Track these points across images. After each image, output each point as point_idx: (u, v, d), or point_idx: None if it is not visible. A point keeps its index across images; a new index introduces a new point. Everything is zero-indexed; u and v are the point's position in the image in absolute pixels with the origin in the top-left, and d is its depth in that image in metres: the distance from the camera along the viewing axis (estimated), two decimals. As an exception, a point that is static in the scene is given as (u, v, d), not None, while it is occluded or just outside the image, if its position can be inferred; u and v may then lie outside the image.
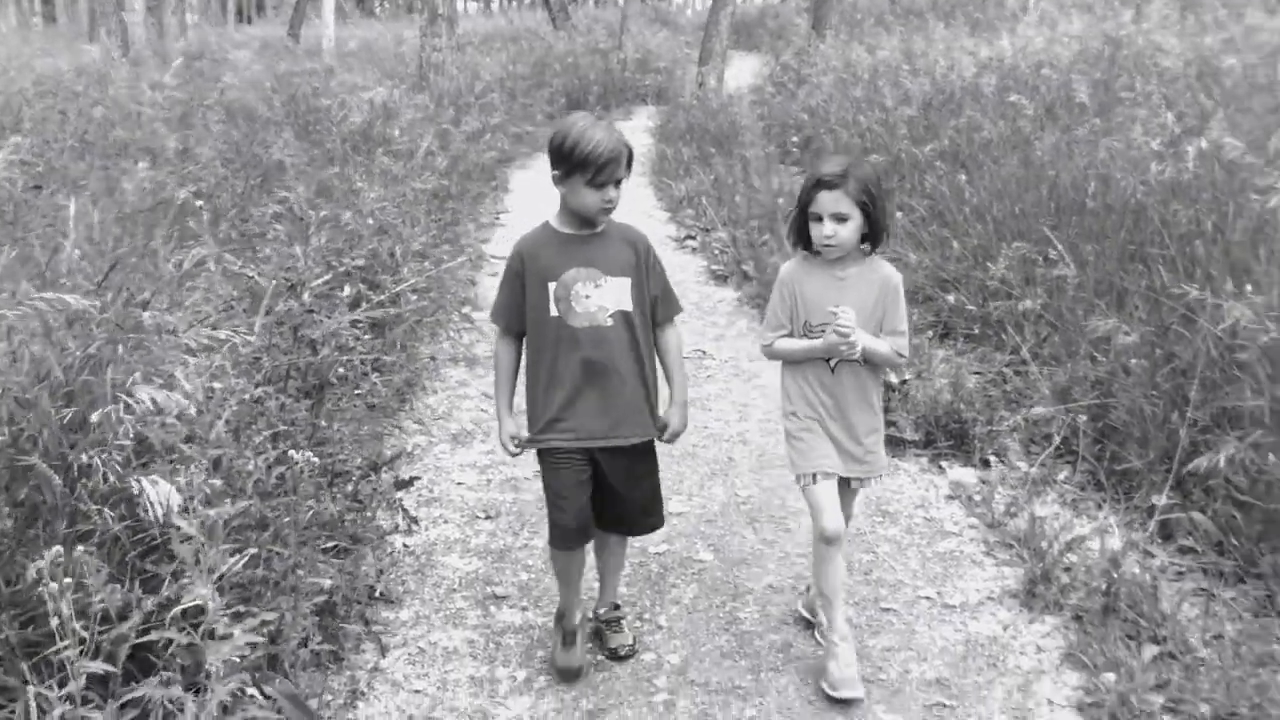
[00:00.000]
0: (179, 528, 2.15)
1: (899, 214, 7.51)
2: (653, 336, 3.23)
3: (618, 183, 2.99)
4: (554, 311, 3.06)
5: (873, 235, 3.12)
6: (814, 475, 3.23)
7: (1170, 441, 4.18)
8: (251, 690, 2.20)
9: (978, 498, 4.54)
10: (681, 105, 15.18)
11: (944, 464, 4.95)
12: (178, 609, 2.20)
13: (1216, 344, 4.15)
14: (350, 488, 4.09)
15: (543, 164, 13.89)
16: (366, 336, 4.37)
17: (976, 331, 5.89)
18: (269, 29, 31.03)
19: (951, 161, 7.57)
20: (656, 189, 11.43)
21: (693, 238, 9.42)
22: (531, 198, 10.99)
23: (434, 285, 6.60)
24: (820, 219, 3.05)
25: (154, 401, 2.43)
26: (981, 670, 3.44)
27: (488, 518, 4.54)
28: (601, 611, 3.61)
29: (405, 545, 4.20)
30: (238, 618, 2.39)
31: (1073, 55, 11.04)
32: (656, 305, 3.20)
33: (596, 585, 3.69)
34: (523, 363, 3.27)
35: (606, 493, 3.27)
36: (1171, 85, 7.70)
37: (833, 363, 3.18)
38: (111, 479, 2.31)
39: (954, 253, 6.33)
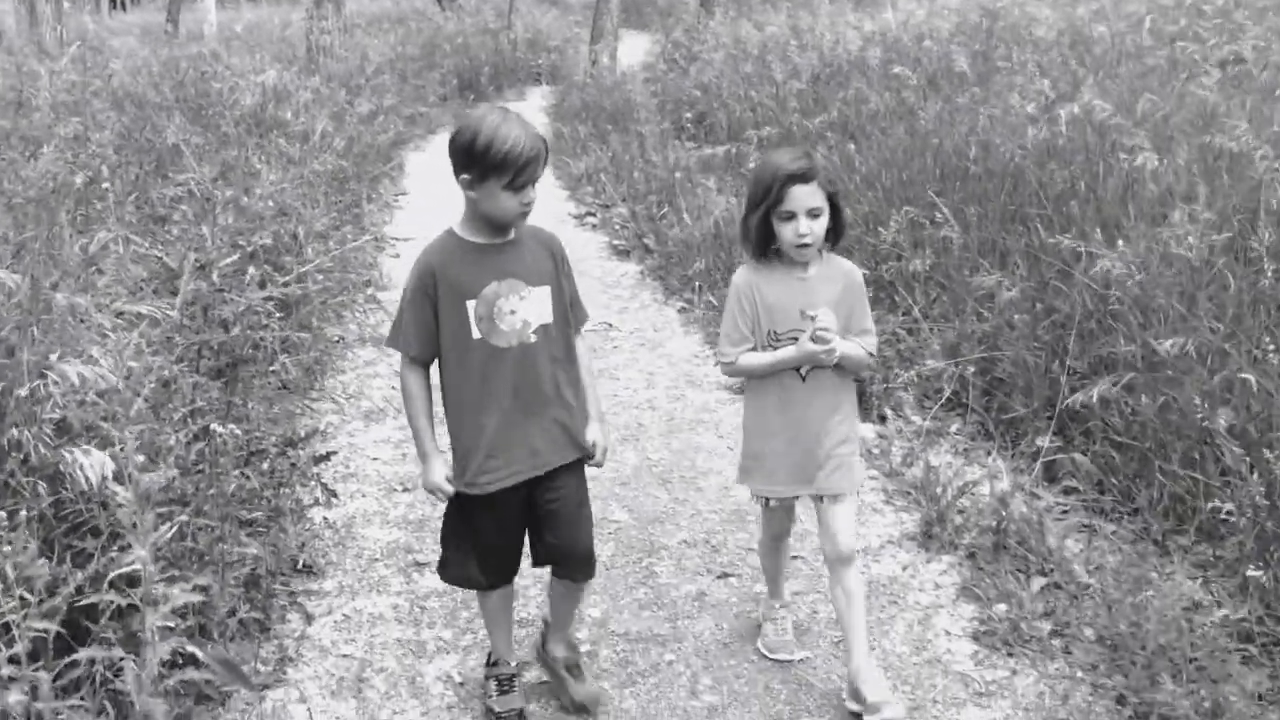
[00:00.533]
0: (114, 495, 2.21)
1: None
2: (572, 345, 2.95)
3: (534, 182, 2.68)
4: (476, 333, 2.73)
5: (836, 229, 2.92)
6: (766, 499, 3.15)
7: (1052, 390, 4.44)
8: (191, 647, 2.26)
9: (876, 451, 4.77)
10: (575, 84, 15.26)
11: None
12: (115, 573, 2.25)
13: (1092, 296, 4.43)
14: (267, 465, 4.13)
15: (438, 146, 13.89)
16: (277, 315, 4.39)
17: (871, 295, 6.11)
18: (146, 15, 30.12)
19: (841, 132, 7.81)
20: (554, 167, 11.48)
21: (593, 214, 9.53)
22: (428, 180, 10.95)
23: (338, 266, 6.61)
24: (793, 216, 2.80)
25: (80, 377, 2.46)
26: (884, 607, 3.65)
27: (405, 490, 4.62)
28: (558, 653, 3.19)
29: (325, 519, 4.26)
30: (171, 582, 2.46)
31: (952, 27, 11.39)
32: (569, 313, 2.91)
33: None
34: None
35: (543, 524, 2.96)
36: (1045, 54, 8.05)
37: (804, 371, 2.95)
38: (42, 452, 2.35)
39: (846, 219, 6.55)
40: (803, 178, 2.79)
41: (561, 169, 11.14)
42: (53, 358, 2.66)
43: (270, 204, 5.55)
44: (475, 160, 2.61)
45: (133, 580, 2.66)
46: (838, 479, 3.02)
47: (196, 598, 2.36)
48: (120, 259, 3.69)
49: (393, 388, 5.76)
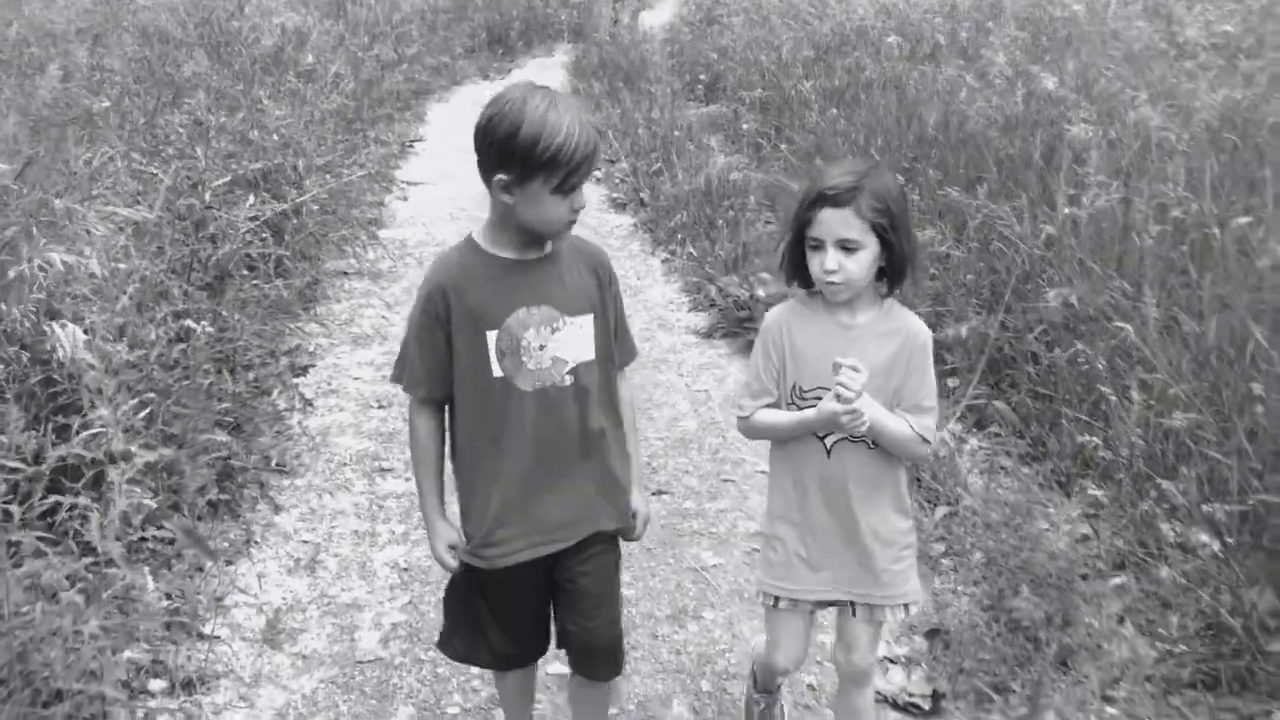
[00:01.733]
0: (84, 361, 2.56)
1: (783, 148, 8.00)
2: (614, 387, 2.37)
3: (585, 181, 2.12)
4: (497, 371, 2.18)
5: (893, 271, 2.27)
6: (775, 599, 2.46)
7: (985, 344, 4.74)
8: (150, 500, 2.61)
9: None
10: (595, 42, 15.48)
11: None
12: (86, 433, 2.61)
13: (1029, 257, 4.71)
14: (251, 375, 4.50)
15: (461, 98, 14.21)
16: (266, 236, 4.73)
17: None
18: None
19: (837, 99, 8.07)
20: (569, 122, 11.79)
21: (598, 168, 9.83)
22: (448, 130, 11.31)
23: (340, 201, 6.95)
24: (821, 246, 2.21)
25: (65, 265, 2.81)
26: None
27: (380, 406, 4.97)
28: None
29: (301, 425, 4.62)
30: (135, 438, 2.81)
31: (969, 4, 11.55)
32: (613, 348, 2.34)
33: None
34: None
35: (562, 605, 2.40)
36: (1022, 30, 8.28)
37: (829, 441, 2.32)
38: (26, 325, 2.70)
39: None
40: (834, 200, 2.17)
41: (575, 123, 11.43)
42: (47, 246, 3.00)
43: (275, 137, 5.88)
44: (517, 157, 2.03)
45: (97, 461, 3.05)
46: (871, 588, 2.39)
47: (153, 456, 2.71)
48: (119, 173, 4.04)
49: (383, 317, 6.14)
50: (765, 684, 2.79)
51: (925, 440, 2.30)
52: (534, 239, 2.20)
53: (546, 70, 16.79)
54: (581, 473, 2.29)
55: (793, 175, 7.50)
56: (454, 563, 2.33)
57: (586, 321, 2.25)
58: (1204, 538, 2.96)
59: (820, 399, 2.24)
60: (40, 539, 2.79)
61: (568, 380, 2.23)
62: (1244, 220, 3.77)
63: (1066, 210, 4.22)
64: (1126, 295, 3.75)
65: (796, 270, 2.32)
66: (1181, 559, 3.19)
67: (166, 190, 3.88)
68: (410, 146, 10.49)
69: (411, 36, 13.66)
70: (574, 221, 2.19)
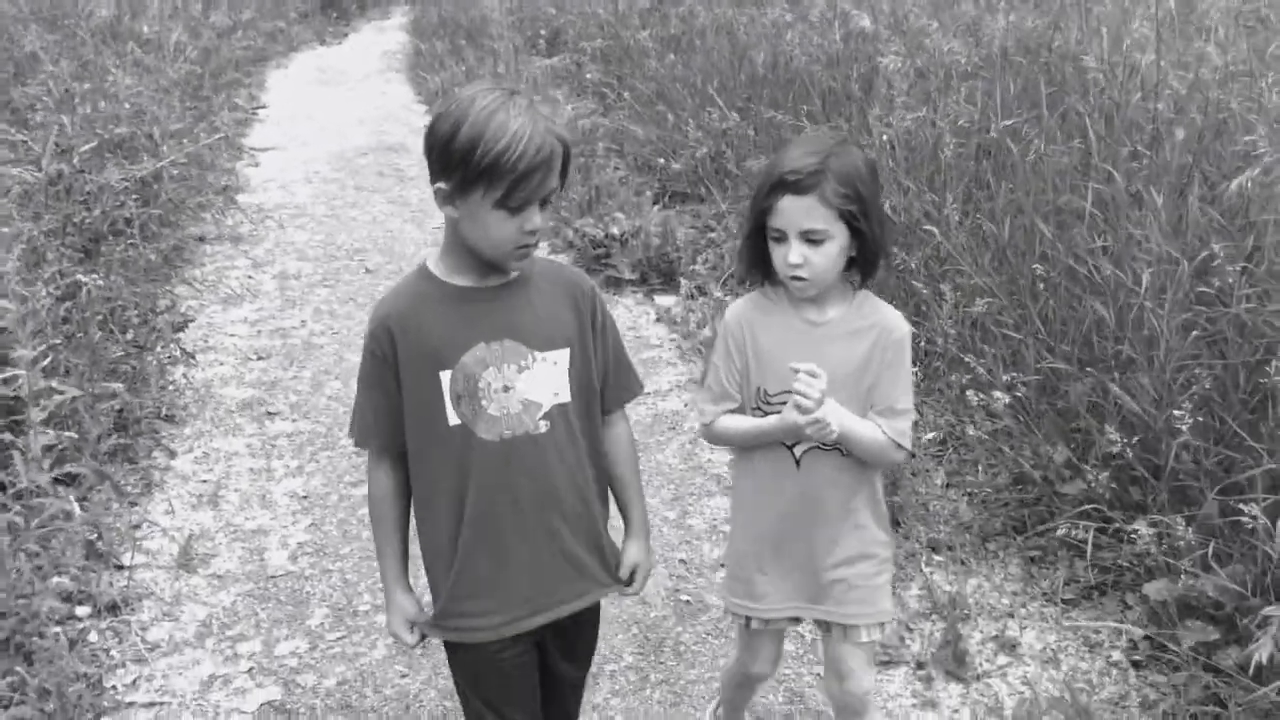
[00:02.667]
0: (2, 305, 2.77)
1: (626, 95, 8.36)
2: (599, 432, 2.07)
3: (545, 201, 1.82)
4: (453, 419, 1.89)
5: (865, 261, 2.07)
6: (746, 619, 2.29)
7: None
8: (71, 433, 2.84)
9: (678, 318, 5.49)
10: (434, 0, 15.52)
11: (656, 297, 5.88)
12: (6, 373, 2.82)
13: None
14: (130, 335, 4.66)
15: (300, 64, 14.15)
16: (134, 198, 4.87)
17: (689, 191, 6.83)
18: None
19: (673, 46, 8.46)
20: (414, 84, 11.91)
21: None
22: (288, 96, 11.32)
23: (195, 167, 7.04)
24: (783, 238, 2.01)
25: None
26: (664, 432, 4.40)
27: (260, 359, 5.19)
28: None
29: (186, 377, 4.81)
30: (49, 394, 3.03)
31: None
32: (607, 383, 2.05)
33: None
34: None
35: (546, 685, 2.15)
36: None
37: (797, 451, 2.13)
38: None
39: (670, 124, 7.24)
40: (795, 187, 1.96)
41: (420, 85, 11.56)
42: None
43: (127, 106, 5.95)
44: (455, 162, 1.75)
45: (15, 406, 3.25)
46: (851, 606, 2.21)
47: (74, 392, 2.94)
48: (-9, 141, 4.15)
49: (250, 277, 6.30)
50: (735, 704, 2.65)
51: (900, 446, 2.09)
52: (487, 263, 1.88)
53: (385, 33, 16.77)
54: (566, 532, 1.98)
55: (637, 121, 7.88)
56: (411, 639, 2.05)
57: (561, 357, 1.93)
58: (1003, 399, 3.45)
59: (787, 403, 2.02)
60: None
61: (543, 427, 1.91)
62: (1030, 132, 4.31)
63: (884, 135, 4.69)
64: (935, 206, 4.25)
65: (756, 263, 2.11)
66: (989, 423, 3.71)
67: (46, 152, 3.99)
68: (254, 114, 10.49)
69: (244, 2, 13.49)
70: (526, 247, 1.84)
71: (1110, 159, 3.81)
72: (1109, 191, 3.67)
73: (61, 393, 2.99)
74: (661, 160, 6.92)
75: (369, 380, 1.96)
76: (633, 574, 2.13)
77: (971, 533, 3.59)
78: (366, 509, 2.12)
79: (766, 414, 2.12)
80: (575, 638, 2.14)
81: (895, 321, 2.12)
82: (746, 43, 7.49)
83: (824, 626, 2.29)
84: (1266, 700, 2.56)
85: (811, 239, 1.99)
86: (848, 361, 2.07)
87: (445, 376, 1.88)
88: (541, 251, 6.51)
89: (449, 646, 2.07)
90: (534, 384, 1.91)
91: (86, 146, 4.44)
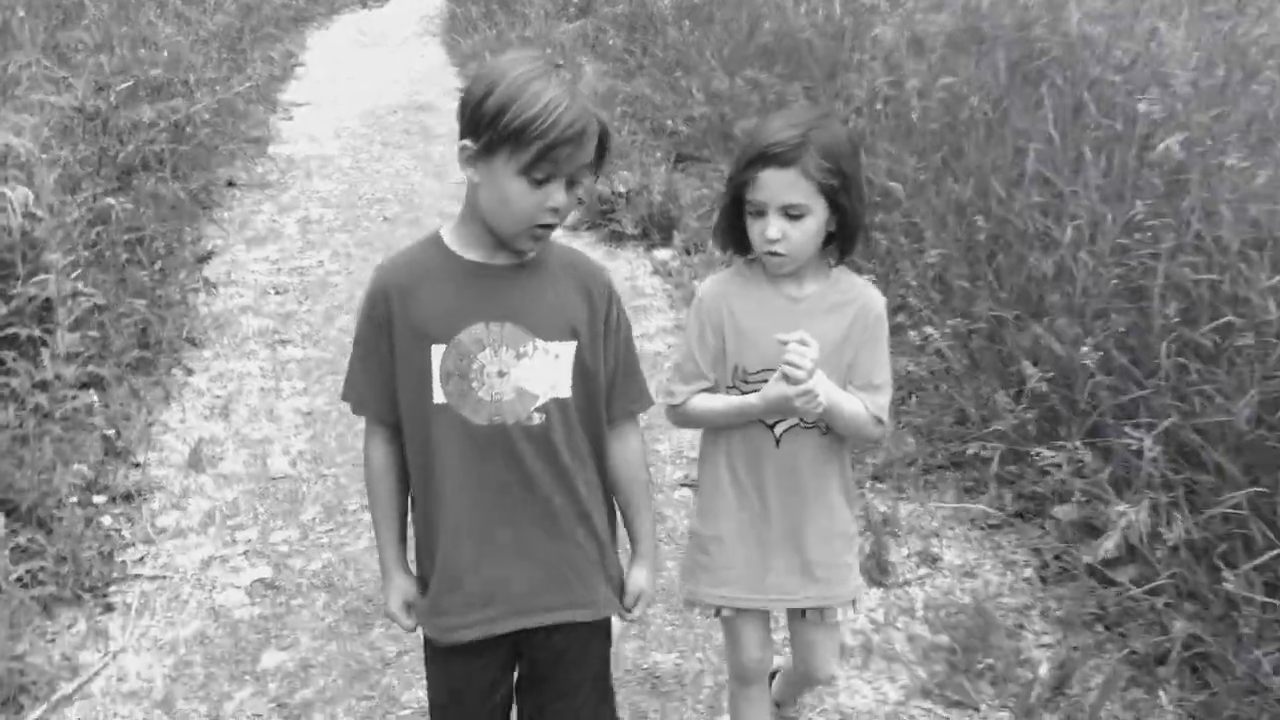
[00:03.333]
0: (36, 215, 3.12)
1: (645, 61, 8.63)
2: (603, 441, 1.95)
3: (572, 182, 1.74)
4: (438, 397, 1.81)
5: (844, 237, 2.02)
6: (716, 609, 2.23)
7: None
8: (94, 333, 3.19)
9: (672, 270, 5.79)
10: (473, -33, 15.78)
11: (654, 251, 6.18)
12: (34, 281, 3.18)
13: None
14: (158, 265, 5.03)
15: (341, 26, 14.49)
16: (165, 137, 5.22)
17: (696, 153, 7.13)
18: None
19: (692, 15, 8.73)
20: (448, 47, 12.23)
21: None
22: (329, 55, 11.68)
23: (228, 114, 7.41)
24: (762, 212, 1.97)
25: (4, 146, 3.34)
26: (644, 369, 4.70)
27: (277, 293, 5.54)
28: None
29: (207, 304, 5.18)
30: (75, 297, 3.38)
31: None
32: (613, 389, 1.94)
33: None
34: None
35: (526, 698, 2.03)
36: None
37: (778, 429, 2.08)
38: (-23, 190, 3.24)
39: (684, 89, 7.53)
40: (778, 159, 1.91)
41: (454, 48, 11.87)
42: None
43: (164, 53, 6.31)
44: (485, 121, 1.69)
45: (46, 309, 3.62)
46: (823, 588, 2.18)
47: (99, 299, 3.28)
48: (35, 77, 4.51)
49: (275, 220, 6.67)
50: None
51: (880, 421, 2.06)
52: (501, 240, 1.79)
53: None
54: (551, 540, 1.87)
55: (655, 86, 8.16)
56: (409, 621, 1.97)
57: (565, 350, 1.83)
58: (935, 336, 3.74)
59: (767, 381, 1.97)
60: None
61: (535, 419, 1.82)
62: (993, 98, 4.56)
63: (866, 99, 4.96)
64: (900, 164, 4.52)
65: (732, 236, 2.06)
66: (938, 360, 3.99)
67: (85, 84, 4.35)
68: (292, 71, 10.85)
69: (288, -38, 13.84)
70: (544, 227, 1.76)
71: (1060, 125, 4.06)
72: (1048, 153, 3.93)
73: (89, 296, 3.35)
74: (669, 123, 7.21)
75: (365, 346, 1.88)
76: (628, 596, 2.00)
77: (915, 466, 3.88)
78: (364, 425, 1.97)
79: (745, 393, 2.04)
80: (562, 645, 1.93)
81: (874, 296, 2.09)
82: (759, 14, 7.74)
83: (795, 612, 2.24)
84: (1136, 601, 2.85)
85: (791, 213, 1.94)
86: (828, 337, 2.00)
87: (437, 351, 1.79)
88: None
89: (429, 643, 1.97)
90: (531, 373, 1.81)
91: (123, 85, 4.80)
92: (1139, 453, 2.93)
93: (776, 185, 1.93)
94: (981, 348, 3.94)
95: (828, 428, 2.07)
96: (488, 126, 1.68)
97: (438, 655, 1.95)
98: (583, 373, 1.85)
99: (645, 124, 7.85)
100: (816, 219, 1.95)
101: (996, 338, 3.93)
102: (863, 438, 2.14)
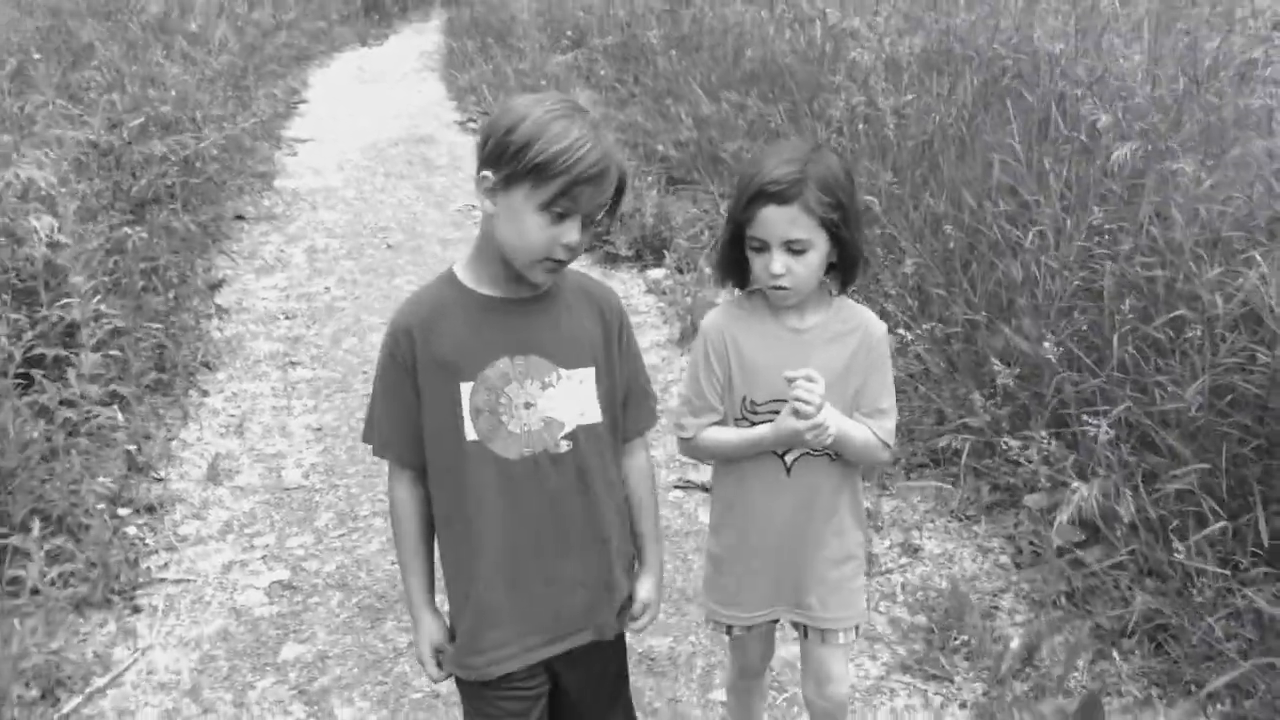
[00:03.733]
0: (60, 242, 3.34)
1: (636, 90, 8.90)
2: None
3: (588, 221, 1.78)
4: (470, 434, 1.84)
5: (845, 267, 2.08)
6: (727, 628, 2.31)
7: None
8: (116, 352, 3.41)
9: (666, 289, 6.01)
10: (467, 2, 16.16)
11: (648, 271, 6.41)
12: (59, 304, 3.39)
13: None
14: (171, 294, 5.26)
15: (341, 64, 14.82)
16: (176, 170, 5.46)
17: (686, 177, 7.37)
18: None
19: (679, 44, 9.00)
20: (446, 81, 12.52)
21: (473, 120, 10.60)
22: (331, 93, 11.97)
23: (235, 151, 7.66)
24: (765, 248, 2.00)
25: (28, 180, 3.57)
26: (639, 382, 4.92)
27: (286, 318, 5.77)
28: None
29: (220, 329, 5.40)
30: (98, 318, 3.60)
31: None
32: (626, 409, 1.99)
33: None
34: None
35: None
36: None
37: (789, 458, 2.14)
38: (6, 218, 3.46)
39: (673, 115, 7.78)
40: (778, 197, 1.94)
41: (451, 82, 12.17)
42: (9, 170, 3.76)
43: (172, 92, 6.57)
44: (508, 154, 1.72)
45: (69, 331, 3.84)
46: (832, 610, 2.23)
47: (121, 321, 3.50)
48: (51, 115, 4.75)
49: (282, 250, 6.91)
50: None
51: (887, 445, 2.12)
52: (517, 274, 1.81)
53: (424, 34, 17.41)
54: (583, 561, 1.93)
55: (646, 114, 8.42)
56: (438, 671, 1.97)
57: (587, 376, 1.88)
58: (908, 338, 3.95)
59: (777, 412, 2.04)
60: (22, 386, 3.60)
61: (564, 446, 1.86)
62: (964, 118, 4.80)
63: (857, 123, 5.20)
64: (876, 179, 4.75)
65: (734, 270, 2.11)
66: (919, 365, 4.20)
67: (99, 121, 4.59)
68: (295, 108, 11.14)
69: (288, 3, 14.18)
70: (560, 262, 1.78)
71: (1026, 138, 4.29)
72: (1018, 168, 4.16)
73: (111, 318, 3.56)
74: (660, 148, 7.45)
75: (388, 388, 1.88)
76: (635, 607, 2.05)
77: (898, 464, 4.08)
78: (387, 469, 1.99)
79: (754, 424, 2.10)
80: (591, 665, 2.01)
81: (874, 324, 2.13)
82: (744, 42, 8.01)
83: (801, 629, 2.29)
84: (1101, 579, 3.05)
85: (794, 248, 1.97)
86: (832, 366, 2.05)
87: (465, 389, 1.81)
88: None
89: (464, 684, 1.98)
90: (557, 402, 1.84)
91: (135, 122, 5.04)
92: (1095, 438, 3.13)
93: (778, 222, 1.95)
94: (959, 351, 4.15)
95: (837, 454, 2.12)
96: (511, 159, 1.70)
97: (474, 692, 1.95)
98: (605, 395, 1.90)
99: (638, 150, 8.11)
100: (819, 252, 1.99)
101: (971, 340, 4.14)
102: (870, 461, 2.20)
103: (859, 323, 2.12)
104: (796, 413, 1.95)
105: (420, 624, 1.96)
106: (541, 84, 9.83)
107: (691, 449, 2.19)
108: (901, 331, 4.02)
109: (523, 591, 1.88)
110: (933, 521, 3.78)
